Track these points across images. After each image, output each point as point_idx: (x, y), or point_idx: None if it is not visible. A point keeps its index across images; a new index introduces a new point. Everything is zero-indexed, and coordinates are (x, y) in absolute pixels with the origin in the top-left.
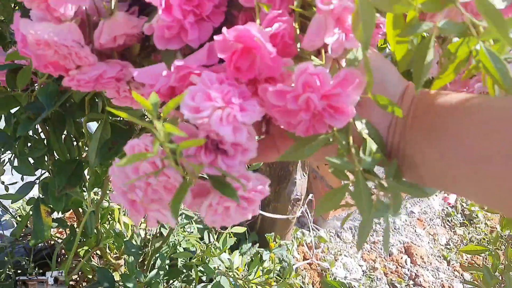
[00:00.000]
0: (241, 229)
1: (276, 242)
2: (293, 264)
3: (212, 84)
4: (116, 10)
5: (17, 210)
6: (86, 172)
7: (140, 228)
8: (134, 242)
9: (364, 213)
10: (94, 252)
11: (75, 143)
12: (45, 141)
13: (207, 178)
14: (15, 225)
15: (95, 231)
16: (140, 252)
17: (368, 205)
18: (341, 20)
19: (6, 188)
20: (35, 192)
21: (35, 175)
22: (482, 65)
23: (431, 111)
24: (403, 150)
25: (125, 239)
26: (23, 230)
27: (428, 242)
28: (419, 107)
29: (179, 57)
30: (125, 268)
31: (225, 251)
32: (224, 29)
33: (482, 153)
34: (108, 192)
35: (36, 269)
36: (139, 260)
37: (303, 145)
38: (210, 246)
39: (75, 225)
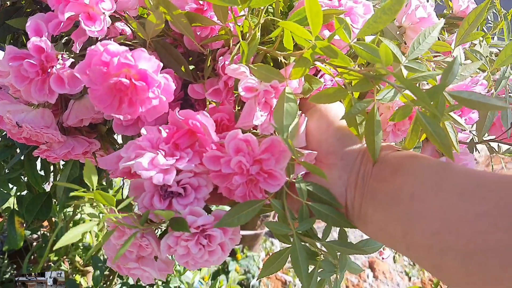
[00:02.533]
0: None
1: (244, 253)
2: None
3: (149, 134)
4: (85, 93)
5: None
6: None
7: None
8: (102, 256)
9: (300, 277)
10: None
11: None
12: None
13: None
14: None
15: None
16: (106, 266)
17: (305, 270)
18: (267, 104)
19: None
20: None
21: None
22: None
23: (396, 176)
24: (365, 210)
25: (93, 253)
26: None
27: (393, 257)
28: (383, 170)
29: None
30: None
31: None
32: (176, 110)
33: (440, 244)
34: (80, 208)
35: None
36: (105, 273)
37: (240, 211)
38: None
39: (47, 233)
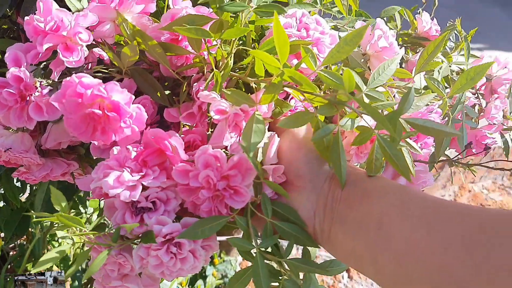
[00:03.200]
0: None
1: (221, 258)
2: None
3: (118, 154)
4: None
5: None
6: None
7: None
8: (80, 266)
9: None
10: None
11: None
12: None
13: None
14: None
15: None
16: (83, 275)
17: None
18: (237, 126)
19: None
20: None
21: None
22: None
23: (365, 202)
24: (335, 235)
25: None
26: None
27: None
28: (352, 195)
29: None
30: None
31: None
32: (147, 129)
33: (407, 274)
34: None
35: None
36: (84, 282)
37: (204, 224)
38: None
39: (24, 243)
